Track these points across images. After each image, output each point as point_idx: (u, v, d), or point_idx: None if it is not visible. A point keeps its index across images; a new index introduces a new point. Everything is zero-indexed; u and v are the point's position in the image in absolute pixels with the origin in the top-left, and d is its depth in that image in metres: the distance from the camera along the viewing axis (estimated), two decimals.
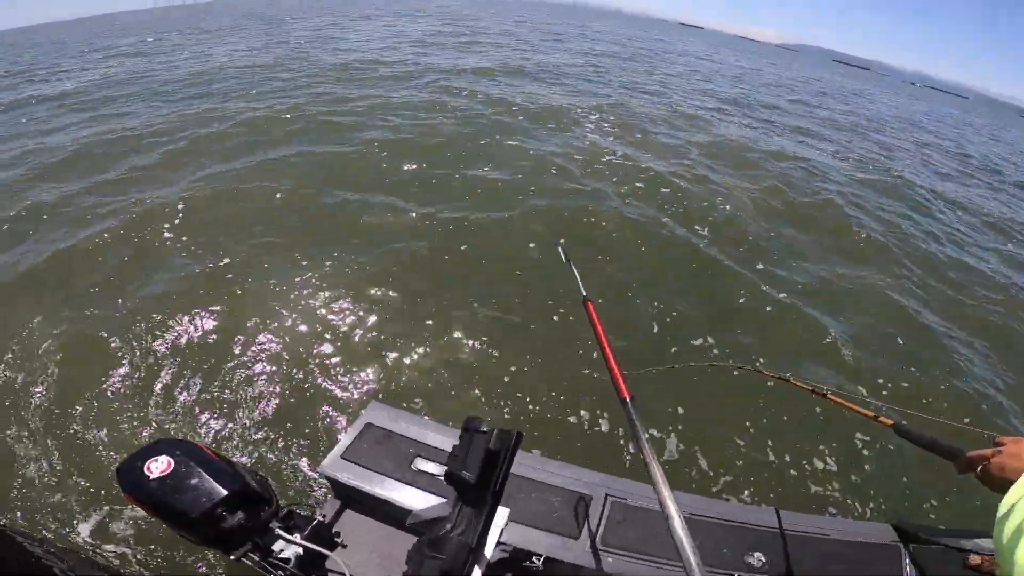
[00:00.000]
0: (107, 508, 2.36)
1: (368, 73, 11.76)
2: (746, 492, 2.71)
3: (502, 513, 1.41)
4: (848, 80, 40.95)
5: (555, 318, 3.77)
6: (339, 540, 1.82)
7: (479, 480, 0.97)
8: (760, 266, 4.98)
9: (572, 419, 3.04)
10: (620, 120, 9.65)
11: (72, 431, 2.72)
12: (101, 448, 2.63)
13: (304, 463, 2.56)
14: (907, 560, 1.81)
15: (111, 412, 2.82)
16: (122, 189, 5.54)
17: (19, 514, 2.33)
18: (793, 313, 4.30)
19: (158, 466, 1.54)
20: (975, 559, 1.76)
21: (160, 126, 7.82)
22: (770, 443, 3.08)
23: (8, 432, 2.71)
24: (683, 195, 6.29)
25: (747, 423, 3.20)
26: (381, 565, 1.80)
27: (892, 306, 4.72)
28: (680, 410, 3.20)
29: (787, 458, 3.01)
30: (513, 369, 3.31)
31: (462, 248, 4.47)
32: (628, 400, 1.05)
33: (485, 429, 1.01)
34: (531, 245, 4.61)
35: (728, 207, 6.17)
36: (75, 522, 2.29)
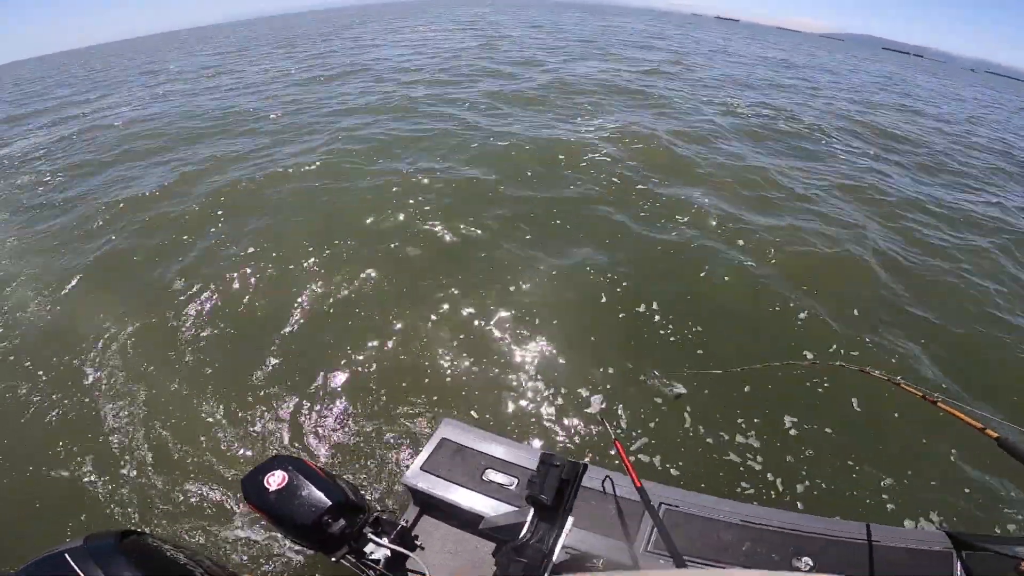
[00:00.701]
0: (230, 514, 2.76)
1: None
2: (798, 500, 2.80)
3: (568, 523, 1.63)
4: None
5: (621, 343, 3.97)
6: (419, 543, 2.08)
7: (553, 502, 1.20)
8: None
9: (631, 435, 3.22)
10: None
11: (195, 443, 3.19)
12: (217, 461, 3.07)
13: (386, 474, 2.87)
14: (959, 567, 1.86)
15: (227, 427, 3.29)
16: None
17: (160, 519, 2.77)
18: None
19: (275, 479, 1.86)
20: None
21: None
22: (823, 448, 3.13)
23: (138, 442, 3.21)
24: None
25: (796, 427, 3.27)
26: (454, 564, 2.05)
27: None
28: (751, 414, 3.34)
29: (836, 464, 3.05)
30: (573, 388, 3.54)
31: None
32: None
33: (558, 463, 1.27)
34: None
35: None
36: (206, 526, 2.69)
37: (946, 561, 1.88)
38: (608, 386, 3.57)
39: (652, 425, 3.29)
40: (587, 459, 2.93)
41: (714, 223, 5.77)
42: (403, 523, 2.05)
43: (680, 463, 3.07)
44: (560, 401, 3.44)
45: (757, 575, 1.59)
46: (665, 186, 6.73)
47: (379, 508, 2.18)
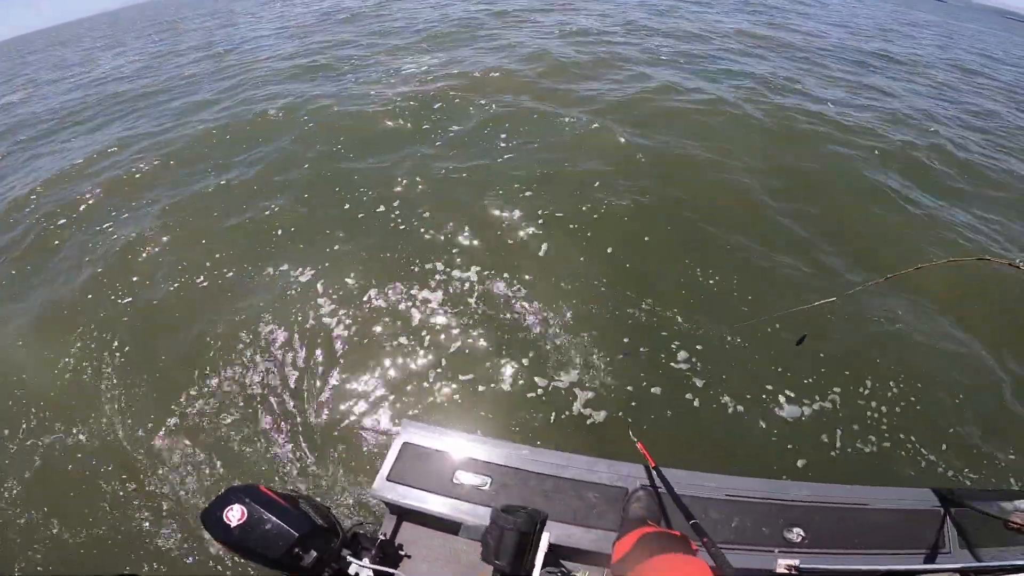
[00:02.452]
0: (200, 546, 2.64)
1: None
2: (778, 466, 2.79)
3: (544, 538, 1.53)
4: None
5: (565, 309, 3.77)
6: (402, 552, 2.00)
7: (512, 566, 1.05)
8: None
9: (598, 416, 3.11)
10: None
11: (152, 472, 3.01)
12: (182, 490, 2.90)
13: (354, 485, 2.74)
14: (948, 524, 1.86)
15: (178, 449, 3.09)
16: None
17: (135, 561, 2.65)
18: None
19: (234, 514, 1.71)
20: (1017, 520, 1.78)
21: None
22: (800, 411, 3.10)
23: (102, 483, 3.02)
24: None
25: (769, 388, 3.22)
26: (443, 569, 1.98)
27: None
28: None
29: (819, 424, 3.04)
30: (525, 374, 3.36)
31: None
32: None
33: (510, 525, 1.10)
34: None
35: None
36: (179, 559, 2.58)
37: (936, 519, 1.87)
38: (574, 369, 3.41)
39: (609, 394, 3.21)
40: (539, 442, 2.82)
41: None
42: (382, 536, 1.95)
43: (655, 435, 2.98)
44: (519, 382, 3.30)
45: None
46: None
47: (354, 522, 2.07)
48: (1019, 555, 1.75)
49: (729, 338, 3.52)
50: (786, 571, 1.70)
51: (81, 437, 3.27)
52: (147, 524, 2.78)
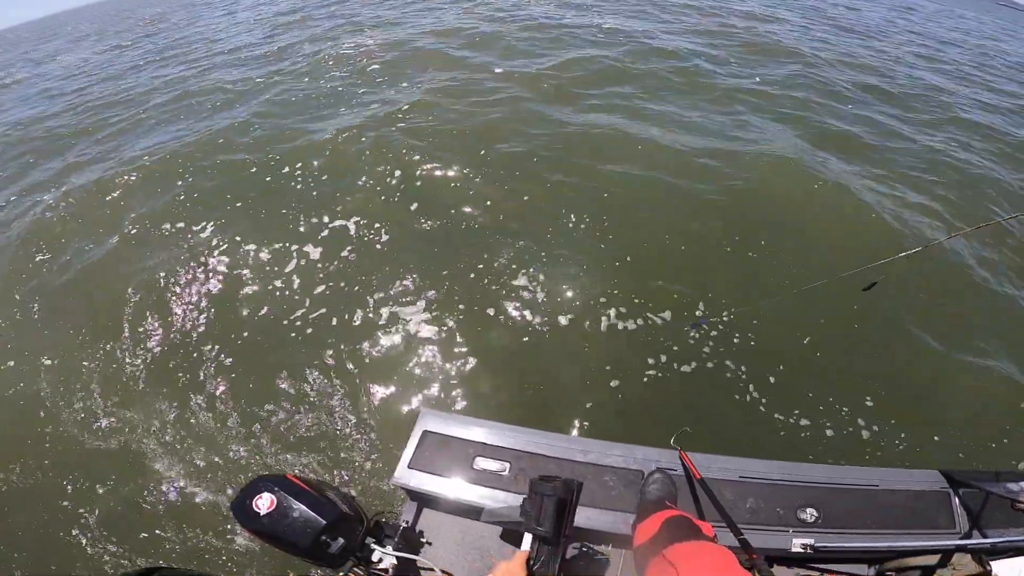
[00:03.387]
0: (230, 536, 2.69)
1: None
2: (794, 447, 2.85)
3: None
4: None
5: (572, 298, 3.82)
6: (424, 540, 2.04)
7: (554, 531, 1.11)
8: None
9: (616, 401, 3.18)
10: None
11: (184, 466, 3.06)
12: (209, 481, 2.96)
13: (376, 474, 2.81)
14: (957, 504, 1.90)
15: (198, 448, 3.14)
16: None
17: (168, 550, 2.71)
18: None
19: (263, 503, 1.76)
20: None
21: None
22: (809, 394, 3.17)
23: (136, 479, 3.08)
24: None
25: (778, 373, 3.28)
26: (463, 554, 2.03)
27: None
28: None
29: (829, 408, 3.09)
30: (546, 359, 3.42)
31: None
32: None
33: (550, 492, 1.16)
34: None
35: None
36: (210, 551, 2.64)
37: (944, 500, 1.92)
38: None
39: (623, 382, 3.26)
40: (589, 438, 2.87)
41: None
42: (404, 523, 1.99)
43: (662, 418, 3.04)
44: (534, 368, 3.35)
45: None
46: None
47: (378, 512, 2.11)
48: None
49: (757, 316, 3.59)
50: (801, 549, 1.75)
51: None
52: (166, 514, 2.83)
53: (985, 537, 1.82)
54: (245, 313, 3.94)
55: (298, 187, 5.22)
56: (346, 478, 2.83)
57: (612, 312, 3.68)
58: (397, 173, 5.17)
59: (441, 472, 2.02)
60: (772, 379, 3.25)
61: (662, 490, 1.84)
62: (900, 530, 1.87)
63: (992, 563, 1.89)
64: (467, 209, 4.65)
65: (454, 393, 3.25)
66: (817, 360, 3.38)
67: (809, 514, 1.89)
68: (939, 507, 1.91)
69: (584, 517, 1.87)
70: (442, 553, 2.03)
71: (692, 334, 3.30)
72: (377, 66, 8.50)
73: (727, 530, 1.84)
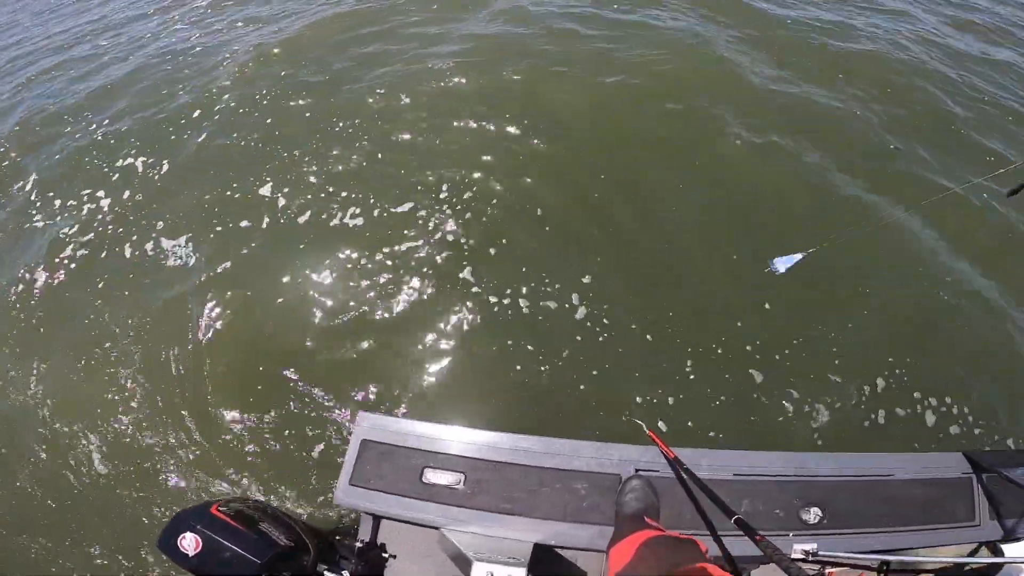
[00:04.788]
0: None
1: None
2: (793, 436, 2.58)
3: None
4: None
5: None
6: (386, 554, 1.86)
7: None
8: None
9: (579, 390, 2.80)
10: None
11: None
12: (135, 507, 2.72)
13: (317, 490, 2.54)
14: (978, 493, 1.69)
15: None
16: None
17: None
18: None
19: (188, 543, 1.56)
20: None
21: None
22: (811, 373, 2.82)
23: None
24: None
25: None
26: (435, 565, 1.85)
27: None
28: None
29: (836, 385, 2.77)
30: (500, 345, 2.97)
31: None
32: None
33: None
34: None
35: None
36: None
37: (965, 487, 1.71)
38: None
39: (595, 363, 2.87)
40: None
41: None
42: (359, 543, 1.79)
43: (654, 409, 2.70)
44: (486, 355, 2.93)
45: None
46: None
47: (332, 531, 1.92)
48: None
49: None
50: (802, 556, 1.55)
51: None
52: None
53: (1007, 530, 1.62)
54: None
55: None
56: (289, 495, 2.56)
57: (574, 288, 3.19)
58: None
59: (388, 488, 1.77)
60: (774, 355, 2.90)
61: (640, 500, 1.61)
62: (915, 526, 1.66)
63: (1003, 545, 1.71)
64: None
65: (396, 392, 2.85)
66: (821, 330, 3.00)
67: (813, 514, 1.67)
68: (959, 497, 1.69)
69: (554, 533, 1.66)
70: (408, 566, 1.86)
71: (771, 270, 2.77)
72: None
73: (722, 536, 1.65)
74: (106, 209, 4.19)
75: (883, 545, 1.62)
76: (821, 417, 2.69)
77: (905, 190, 3.79)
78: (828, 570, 1.65)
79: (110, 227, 4.04)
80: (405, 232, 3.52)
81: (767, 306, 3.10)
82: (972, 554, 1.63)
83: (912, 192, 3.73)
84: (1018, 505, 1.63)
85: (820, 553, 1.53)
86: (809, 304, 3.13)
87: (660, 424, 2.67)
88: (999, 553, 1.61)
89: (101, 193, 4.37)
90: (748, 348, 2.94)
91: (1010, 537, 1.58)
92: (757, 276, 3.09)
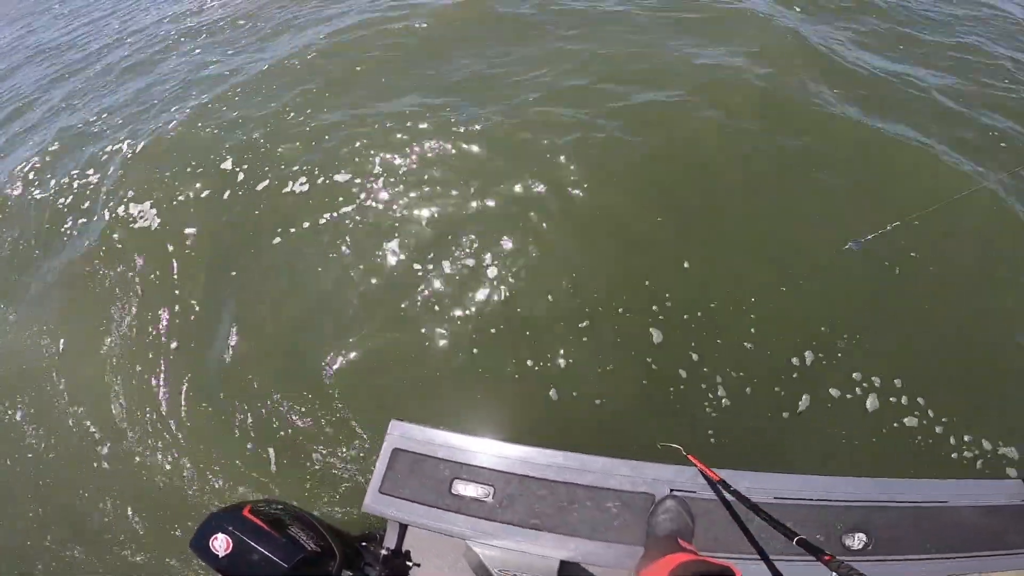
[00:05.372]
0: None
1: None
2: (838, 461, 2.45)
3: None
4: None
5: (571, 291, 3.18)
6: (411, 562, 1.85)
7: None
8: None
9: (615, 406, 2.73)
10: None
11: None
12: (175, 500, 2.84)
13: (349, 495, 2.58)
14: None
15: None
16: None
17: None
18: None
19: (219, 544, 1.58)
20: None
21: None
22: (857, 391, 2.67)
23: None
24: None
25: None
26: (454, 574, 1.83)
27: None
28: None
29: (887, 408, 2.61)
30: (535, 358, 2.92)
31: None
32: None
33: None
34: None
35: None
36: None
37: (1021, 515, 1.57)
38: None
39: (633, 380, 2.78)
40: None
41: None
42: (385, 550, 1.79)
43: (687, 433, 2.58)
44: (522, 369, 2.88)
45: None
46: None
47: (363, 532, 1.93)
48: None
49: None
50: None
51: None
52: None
53: None
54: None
55: None
56: (320, 500, 2.61)
57: (615, 299, 3.08)
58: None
59: (417, 498, 1.77)
60: (805, 362, 2.76)
61: (675, 521, 1.55)
62: (968, 553, 1.55)
63: None
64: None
65: (428, 401, 2.86)
66: (864, 338, 2.84)
67: (857, 539, 1.58)
68: (1018, 524, 1.57)
69: (581, 552, 1.61)
70: (432, 574, 1.84)
71: (849, 247, 2.61)
72: None
73: (759, 562, 1.57)
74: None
75: (933, 574, 1.52)
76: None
77: None
78: None
79: None
80: (443, 239, 3.52)
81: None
82: None
83: None
84: None
85: None
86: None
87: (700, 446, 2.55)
88: None
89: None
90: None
91: None
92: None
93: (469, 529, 1.69)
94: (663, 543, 1.47)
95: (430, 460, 1.81)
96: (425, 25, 5.71)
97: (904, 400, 2.64)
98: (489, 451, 1.81)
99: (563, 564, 1.59)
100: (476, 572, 1.67)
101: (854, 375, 2.72)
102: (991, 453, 2.49)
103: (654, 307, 3.04)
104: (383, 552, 1.79)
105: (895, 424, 2.58)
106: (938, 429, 2.55)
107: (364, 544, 1.91)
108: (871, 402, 2.65)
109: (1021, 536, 1.57)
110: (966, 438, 2.52)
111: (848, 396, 2.68)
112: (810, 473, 1.72)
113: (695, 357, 2.86)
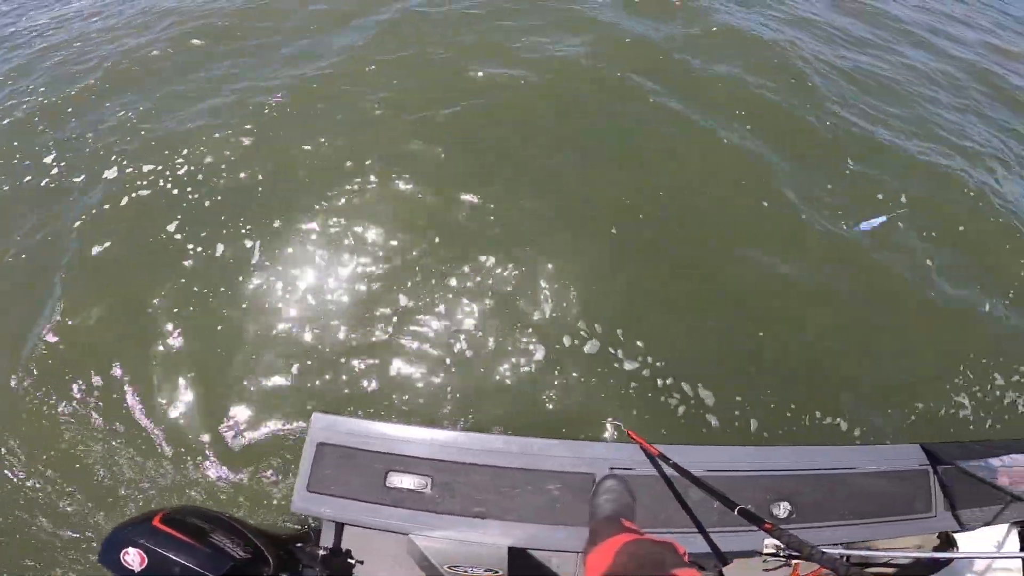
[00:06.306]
0: None
1: None
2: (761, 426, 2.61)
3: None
4: None
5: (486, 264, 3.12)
6: (352, 560, 1.77)
7: None
8: None
9: (546, 389, 2.69)
10: None
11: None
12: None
13: (274, 492, 2.43)
14: (934, 484, 1.76)
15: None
16: None
17: None
18: None
19: (132, 559, 1.42)
20: (1005, 477, 1.69)
21: None
22: (777, 360, 2.89)
23: None
24: None
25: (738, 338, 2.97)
26: (400, 568, 1.78)
27: None
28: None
29: (801, 376, 2.85)
30: (463, 344, 2.85)
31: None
32: None
33: None
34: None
35: None
36: None
37: (923, 479, 1.77)
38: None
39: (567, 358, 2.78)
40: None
41: None
42: (323, 550, 1.70)
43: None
44: (450, 350, 2.81)
45: None
46: None
47: (296, 532, 1.81)
48: (1000, 514, 1.68)
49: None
50: (774, 551, 1.57)
51: None
52: None
53: (960, 520, 1.70)
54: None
55: None
56: (242, 502, 2.42)
57: (548, 276, 3.07)
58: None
59: (349, 494, 1.67)
60: (737, 349, 2.94)
61: (616, 502, 1.58)
62: (876, 518, 1.72)
63: (957, 535, 1.80)
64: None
65: (352, 391, 2.69)
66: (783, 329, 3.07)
67: (783, 508, 1.70)
68: (916, 488, 1.76)
69: (529, 537, 1.61)
70: (378, 570, 1.78)
71: (865, 227, 2.69)
72: None
73: (696, 534, 1.65)
74: None
75: (848, 538, 1.67)
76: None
77: None
78: (794, 563, 1.69)
79: None
80: (369, 223, 3.33)
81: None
82: (937, 548, 1.71)
83: None
84: (972, 496, 1.71)
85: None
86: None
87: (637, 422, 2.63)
88: (953, 543, 1.70)
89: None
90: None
91: (963, 528, 1.66)
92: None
93: (409, 523, 1.62)
94: (606, 525, 1.50)
95: (360, 453, 1.70)
96: None
97: None
98: (423, 439, 1.73)
99: (512, 551, 1.58)
100: (421, 566, 1.62)
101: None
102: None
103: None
104: (321, 552, 1.70)
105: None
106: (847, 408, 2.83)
107: (299, 545, 1.80)
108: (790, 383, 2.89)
109: (920, 499, 1.76)
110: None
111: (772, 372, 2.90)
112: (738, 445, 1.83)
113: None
